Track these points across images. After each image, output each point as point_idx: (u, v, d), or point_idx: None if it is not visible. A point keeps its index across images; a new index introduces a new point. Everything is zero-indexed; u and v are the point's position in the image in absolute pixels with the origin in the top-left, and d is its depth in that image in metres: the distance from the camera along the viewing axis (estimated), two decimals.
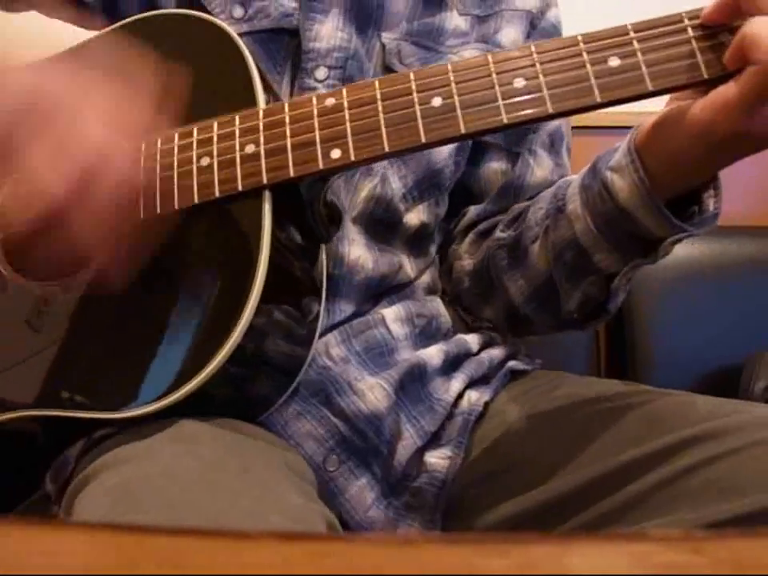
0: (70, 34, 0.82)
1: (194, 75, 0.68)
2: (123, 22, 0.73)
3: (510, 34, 0.82)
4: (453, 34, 0.79)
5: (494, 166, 0.83)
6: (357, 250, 0.73)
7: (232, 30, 0.67)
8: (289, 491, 0.56)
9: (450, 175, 0.80)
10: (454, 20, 0.80)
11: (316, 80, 0.72)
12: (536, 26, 0.85)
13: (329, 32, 0.73)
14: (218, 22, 0.68)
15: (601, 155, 0.69)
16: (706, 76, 0.56)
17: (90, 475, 0.58)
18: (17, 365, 0.66)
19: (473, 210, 0.84)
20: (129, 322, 0.64)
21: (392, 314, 0.75)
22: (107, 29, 0.73)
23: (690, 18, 0.57)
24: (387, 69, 0.76)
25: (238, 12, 0.74)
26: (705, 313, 1.46)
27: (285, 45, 0.73)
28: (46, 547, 0.24)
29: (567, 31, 0.88)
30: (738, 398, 1.19)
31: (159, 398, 0.59)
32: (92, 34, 0.75)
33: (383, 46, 0.76)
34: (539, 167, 0.84)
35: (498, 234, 0.80)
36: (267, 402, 0.67)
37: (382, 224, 0.75)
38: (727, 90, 0.55)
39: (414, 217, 0.78)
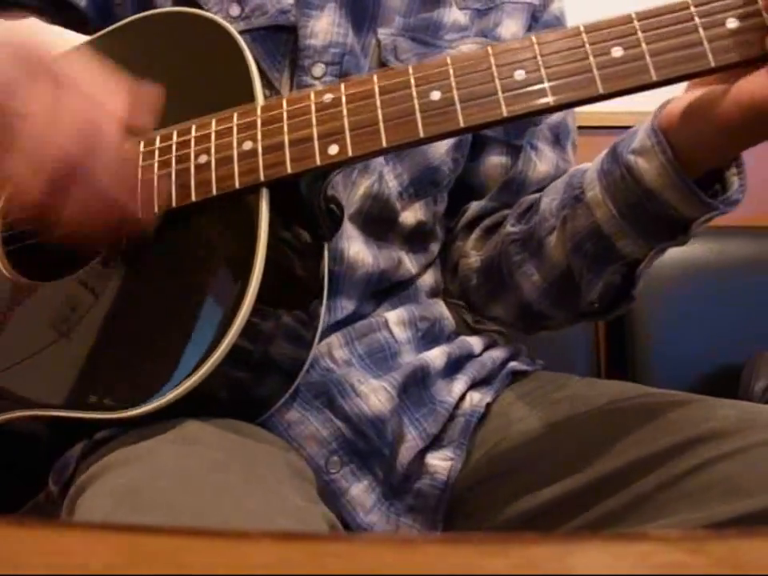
0: (70, 38, 0.82)
1: (192, 72, 0.69)
2: (121, 22, 0.73)
3: (510, 27, 0.82)
4: (451, 29, 0.79)
5: (494, 160, 0.83)
6: (356, 246, 0.73)
7: (230, 26, 0.67)
8: (292, 493, 0.56)
9: (448, 173, 0.79)
10: (453, 14, 0.79)
11: (313, 77, 0.72)
12: (538, 18, 0.84)
13: (324, 28, 0.73)
14: (216, 18, 0.68)
15: (618, 140, 0.68)
16: (713, 65, 0.55)
17: (92, 476, 0.58)
18: (17, 364, 0.66)
19: (474, 206, 0.83)
20: (125, 321, 0.64)
21: (395, 317, 0.75)
22: (104, 30, 0.73)
23: (697, 5, 0.56)
24: (383, 65, 0.75)
25: (235, 10, 0.73)
26: (705, 313, 1.46)
27: (283, 42, 0.73)
28: (46, 547, 0.24)
29: (572, 23, 0.87)
30: (738, 398, 1.19)
31: (155, 398, 0.59)
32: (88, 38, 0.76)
33: (379, 42, 0.76)
34: (542, 162, 0.83)
35: (509, 228, 0.78)
36: (268, 403, 0.66)
37: (379, 221, 0.75)
38: (753, 85, 0.54)
39: (411, 215, 0.77)
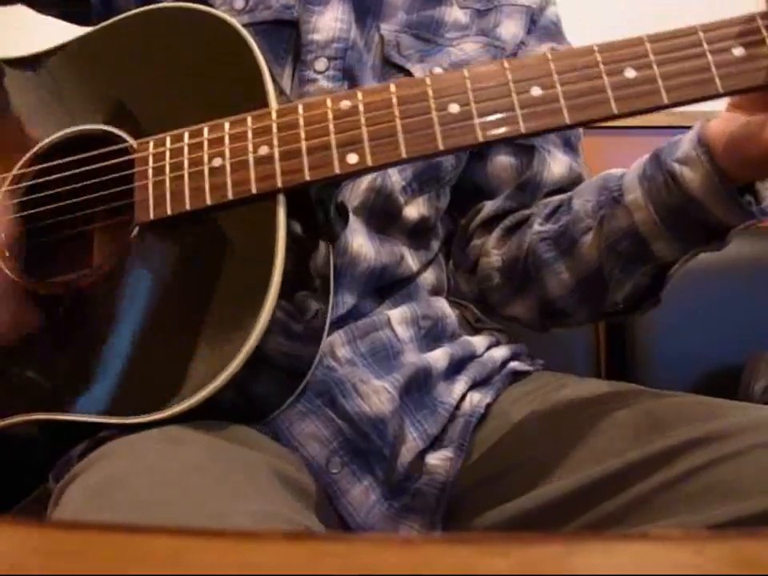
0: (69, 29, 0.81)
1: (200, 72, 0.67)
2: (123, 15, 0.71)
3: (510, 28, 0.83)
4: (452, 27, 0.80)
5: (502, 160, 0.83)
6: (359, 239, 0.73)
7: (240, 26, 0.66)
8: (260, 496, 0.56)
9: (450, 169, 0.80)
10: (454, 13, 0.80)
11: (316, 71, 0.72)
12: (536, 22, 0.85)
13: (327, 23, 0.73)
14: (225, 16, 0.67)
15: (660, 148, 0.70)
16: (720, 90, 0.56)
17: (77, 472, 0.58)
18: (26, 367, 0.65)
19: (489, 206, 0.84)
20: (141, 326, 0.63)
21: (397, 315, 0.75)
22: (105, 22, 0.72)
23: (705, 31, 0.57)
24: (386, 60, 0.76)
25: (239, 3, 0.74)
26: (705, 313, 1.46)
27: (286, 37, 0.73)
28: (44, 547, 0.24)
29: (567, 29, 0.88)
30: (738, 398, 1.19)
31: (171, 406, 0.59)
32: (85, 30, 0.74)
33: (382, 37, 0.76)
34: (555, 164, 0.84)
35: (537, 227, 0.79)
36: (276, 403, 0.67)
37: (382, 215, 0.75)
38: None
39: (414, 210, 0.78)
